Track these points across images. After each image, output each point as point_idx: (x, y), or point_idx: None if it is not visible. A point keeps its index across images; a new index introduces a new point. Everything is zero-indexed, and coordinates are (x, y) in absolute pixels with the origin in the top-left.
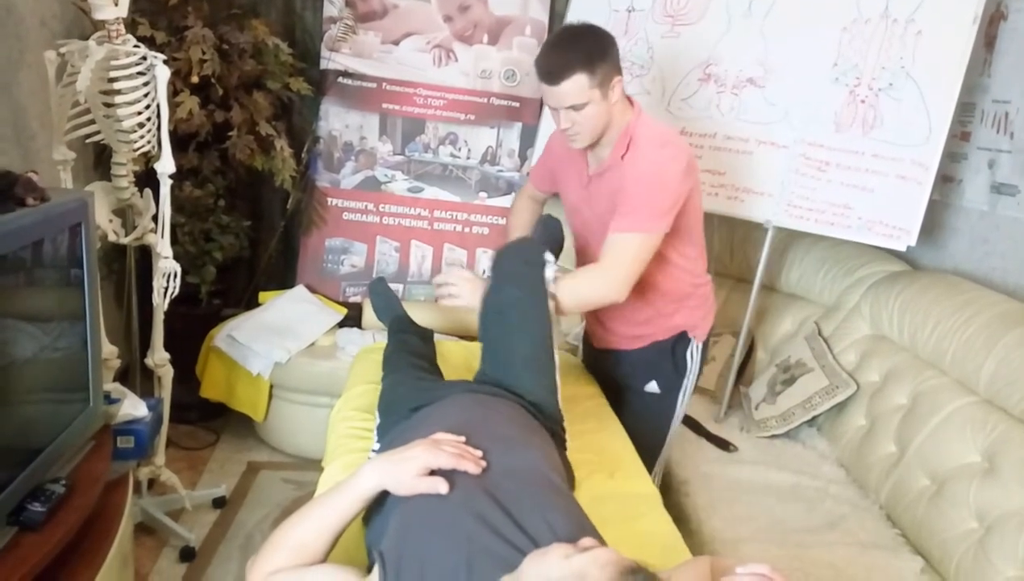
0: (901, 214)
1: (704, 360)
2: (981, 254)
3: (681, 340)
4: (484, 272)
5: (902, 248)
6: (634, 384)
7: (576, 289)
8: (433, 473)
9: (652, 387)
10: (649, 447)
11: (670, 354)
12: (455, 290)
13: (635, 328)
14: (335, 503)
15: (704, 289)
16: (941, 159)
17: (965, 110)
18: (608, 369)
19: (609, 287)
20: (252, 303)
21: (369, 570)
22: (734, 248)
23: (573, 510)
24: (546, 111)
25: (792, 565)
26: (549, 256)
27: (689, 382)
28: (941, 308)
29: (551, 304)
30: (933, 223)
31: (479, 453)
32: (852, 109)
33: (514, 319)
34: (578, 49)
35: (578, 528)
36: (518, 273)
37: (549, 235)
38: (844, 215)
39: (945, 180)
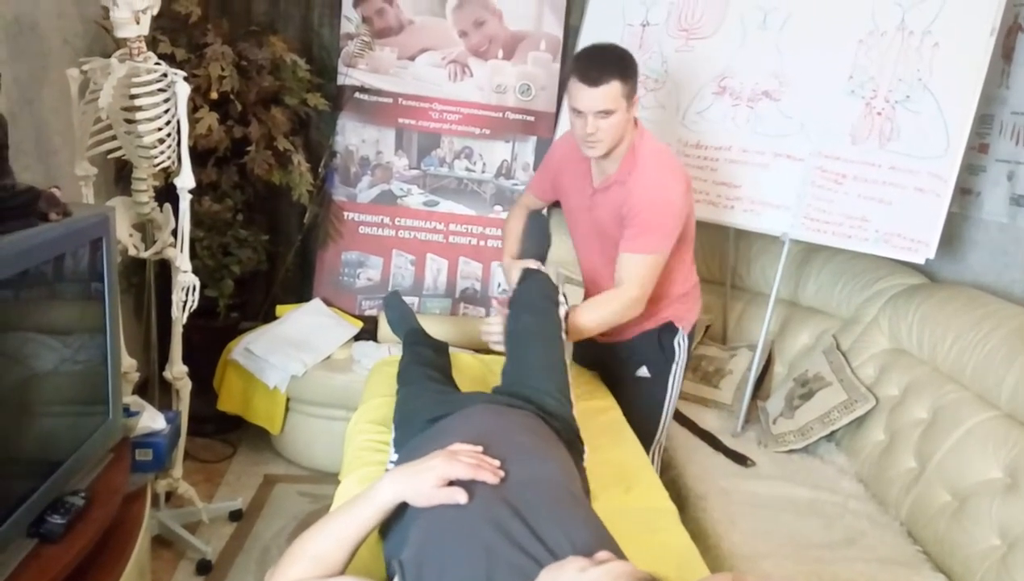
0: (919, 227)
1: (691, 349)
2: (1000, 267)
3: (667, 329)
4: (499, 285)
5: (921, 261)
6: (625, 371)
7: (596, 312)
8: (452, 484)
9: (643, 372)
10: (644, 432)
11: (656, 340)
12: (497, 336)
13: (628, 326)
14: (354, 515)
15: (695, 286)
16: (959, 171)
17: (983, 122)
18: (599, 358)
19: (628, 307)
20: (269, 316)
21: (389, 580)
22: (751, 261)
23: (591, 521)
24: (562, 122)
25: None
26: (563, 297)
27: (678, 368)
28: (960, 321)
29: (563, 328)
30: (952, 236)
31: (497, 463)
32: (868, 121)
33: (530, 336)
34: (618, 59)
35: (596, 539)
36: (535, 303)
37: (538, 230)
38: (861, 228)
39: (963, 192)
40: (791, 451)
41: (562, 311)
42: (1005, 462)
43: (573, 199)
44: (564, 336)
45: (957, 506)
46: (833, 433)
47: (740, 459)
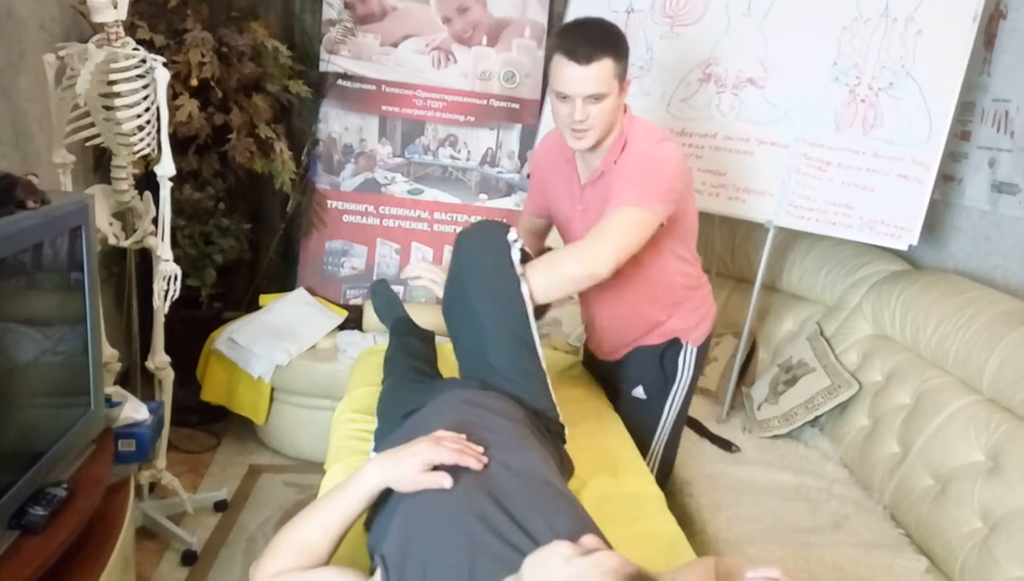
0: (902, 213)
1: (701, 364)
2: (983, 253)
3: (672, 346)
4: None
5: (904, 247)
6: (622, 388)
7: (552, 268)
8: (436, 469)
9: (639, 392)
10: (638, 446)
11: (658, 360)
12: (426, 276)
13: (631, 341)
14: (338, 503)
15: (701, 292)
16: (942, 158)
17: (965, 109)
18: (600, 372)
19: (593, 258)
20: (253, 306)
21: (372, 573)
22: (735, 248)
23: (574, 509)
24: (546, 112)
25: (797, 565)
26: (513, 235)
27: (679, 389)
28: (943, 307)
29: (525, 289)
30: (934, 222)
31: (480, 449)
32: (852, 108)
33: (482, 318)
34: (610, 34)
35: (580, 528)
36: (480, 262)
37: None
38: (845, 214)
39: (946, 179)
40: (775, 437)
41: (516, 255)
42: (987, 445)
43: (563, 203)
44: (525, 290)
45: (940, 489)
46: (817, 418)
47: (725, 445)
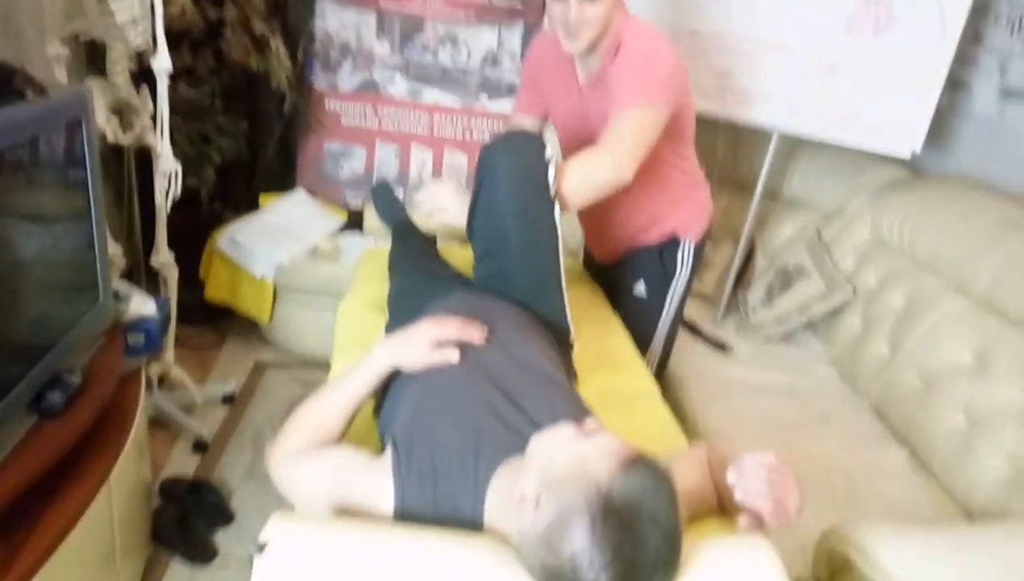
0: (908, 119)
1: (698, 261)
2: (987, 161)
3: (671, 243)
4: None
5: (908, 154)
6: (623, 287)
7: (582, 175)
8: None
9: (640, 290)
10: (638, 344)
11: (658, 257)
12: (441, 204)
13: (630, 238)
14: (349, 383)
15: (700, 190)
16: (951, 63)
17: (978, 11)
18: (600, 274)
19: (616, 165)
20: (253, 207)
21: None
22: (737, 154)
23: (575, 400)
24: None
25: (783, 457)
26: (550, 152)
27: (678, 284)
28: (943, 213)
29: (557, 209)
30: (940, 129)
31: (485, 329)
32: (864, 10)
33: (514, 235)
34: None
35: (580, 416)
36: (517, 180)
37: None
38: (851, 120)
39: (954, 85)
40: (769, 339)
41: (552, 174)
42: (975, 346)
43: (563, 106)
44: (557, 210)
45: (925, 388)
46: (811, 322)
47: (719, 346)
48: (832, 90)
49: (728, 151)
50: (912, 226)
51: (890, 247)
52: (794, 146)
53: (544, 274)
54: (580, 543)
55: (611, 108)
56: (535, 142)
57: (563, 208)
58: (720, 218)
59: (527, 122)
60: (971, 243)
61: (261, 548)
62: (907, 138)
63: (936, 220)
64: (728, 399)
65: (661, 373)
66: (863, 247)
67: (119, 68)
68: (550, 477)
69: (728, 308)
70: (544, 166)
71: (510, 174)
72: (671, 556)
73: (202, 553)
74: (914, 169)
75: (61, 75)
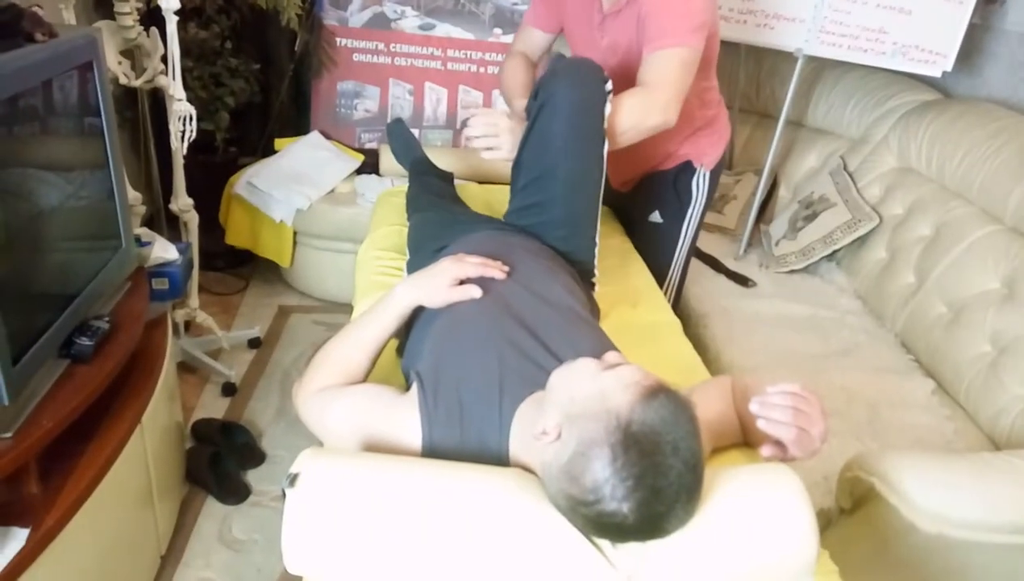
0: (939, 38)
1: (714, 188)
2: (1017, 80)
3: (685, 169)
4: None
5: (938, 74)
6: (638, 215)
7: (635, 119)
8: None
9: (655, 217)
10: (655, 274)
11: (672, 185)
12: (495, 141)
13: (645, 165)
14: (373, 321)
15: (719, 118)
16: None
17: None
18: (615, 203)
19: (665, 110)
20: (268, 151)
21: (408, 390)
22: (760, 83)
23: (597, 334)
24: None
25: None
26: (610, 85)
27: (695, 211)
28: (972, 137)
29: (606, 145)
30: (971, 49)
31: (506, 268)
32: None
33: (563, 168)
34: None
35: (602, 350)
36: (576, 105)
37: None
38: (879, 40)
39: (987, 0)
40: (792, 271)
41: (608, 108)
42: (1004, 273)
43: (581, 28)
44: (606, 146)
45: (952, 317)
46: (835, 253)
47: (741, 280)
48: (860, 9)
49: (750, 79)
50: (940, 152)
51: (917, 174)
52: (818, 71)
53: (584, 210)
54: (601, 473)
55: (647, 44)
56: (599, 76)
57: (609, 145)
58: (742, 149)
59: (538, 36)
60: (1002, 168)
61: (292, 480)
62: (938, 57)
63: (965, 144)
64: (751, 333)
65: (676, 304)
66: (889, 175)
67: (127, 8)
68: (571, 410)
69: (751, 242)
70: (604, 101)
71: (572, 106)
72: (693, 484)
73: (236, 492)
74: (942, 91)
75: (69, 17)
